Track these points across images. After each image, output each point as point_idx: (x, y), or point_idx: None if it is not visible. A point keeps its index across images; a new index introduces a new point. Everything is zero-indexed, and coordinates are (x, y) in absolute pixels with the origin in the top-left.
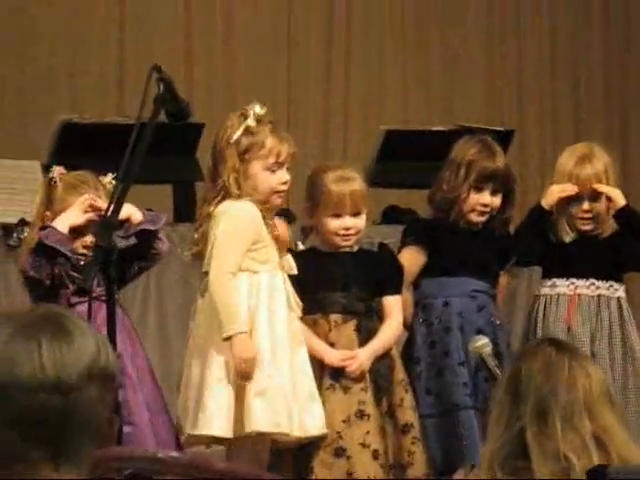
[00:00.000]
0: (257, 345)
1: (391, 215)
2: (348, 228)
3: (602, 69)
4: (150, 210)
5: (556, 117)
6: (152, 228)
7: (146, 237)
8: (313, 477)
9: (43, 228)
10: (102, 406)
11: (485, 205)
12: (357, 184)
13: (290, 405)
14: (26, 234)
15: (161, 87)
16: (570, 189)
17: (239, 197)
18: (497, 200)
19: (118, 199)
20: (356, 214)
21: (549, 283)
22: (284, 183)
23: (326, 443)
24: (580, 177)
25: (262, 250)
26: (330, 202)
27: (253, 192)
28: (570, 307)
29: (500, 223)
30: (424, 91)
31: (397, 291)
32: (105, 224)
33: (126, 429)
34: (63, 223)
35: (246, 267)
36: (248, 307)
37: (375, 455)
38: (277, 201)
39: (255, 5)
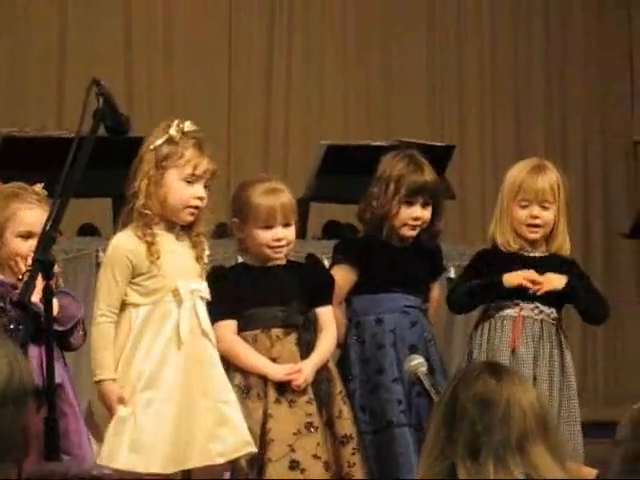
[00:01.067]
0: (132, 380)
1: (332, 230)
2: (280, 239)
3: (542, 82)
4: (91, 226)
5: (496, 131)
6: (58, 328)
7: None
8: None
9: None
10: (18, 421)
11: (416, 219)
12: (286, 196)
13: (168, 440)
14: None
15: (101, 101)
16: (535, 277)
17: (144, 207)
18: (427, 213)
19: (57, 213)
20: (286, 225)
21: (493, 305)
22: (198, 198)
23: (278, 456)
24: (534, 187)
25: (145, 282)
26: (261, 215)
27: (162, 203)
28: (515, 329)
29: (429, 236)
30: (365, 106)
31: (329, 301)
32: (44, 238)
33: (67, 459)
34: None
35: (128, 301)
36: (130, 341)
37: (326, 467)
38: (187, 218)
39: (196, 19)
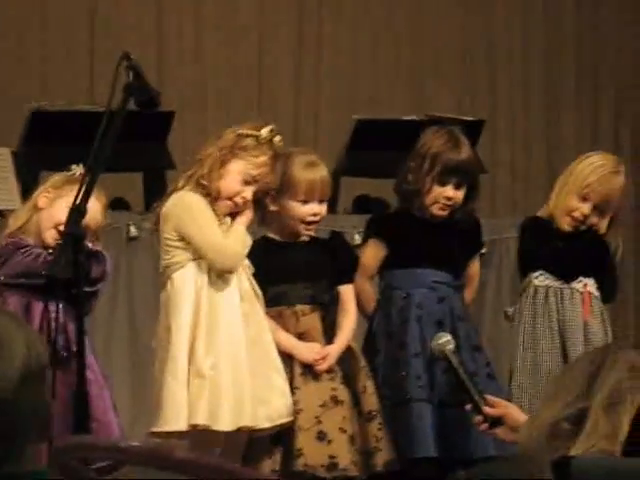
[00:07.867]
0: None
1: (362, 204)
2: (316, 214)
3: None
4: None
5: (527, 107)
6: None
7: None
8: (304, 459)
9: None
10: (40, 400)
11: (448, 199)
12: (325, 170)
13: (230, 399)
14: None
15: (130, 75)
16: None
17: (202, 177)
18: (460, 194)
19: (87, 187)
20: (322, 201)
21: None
22: (242, 198)
23: (307, 426)
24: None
25: None
26: (301, 188)
27: (215, 183)
28: (585, 303)
29: (464, 215)
30: (394, 79)
31: (351, 280)
32: (74, 212)
33: (92, 425)
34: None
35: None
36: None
37: (352, 441)
38: (227, 210)
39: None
